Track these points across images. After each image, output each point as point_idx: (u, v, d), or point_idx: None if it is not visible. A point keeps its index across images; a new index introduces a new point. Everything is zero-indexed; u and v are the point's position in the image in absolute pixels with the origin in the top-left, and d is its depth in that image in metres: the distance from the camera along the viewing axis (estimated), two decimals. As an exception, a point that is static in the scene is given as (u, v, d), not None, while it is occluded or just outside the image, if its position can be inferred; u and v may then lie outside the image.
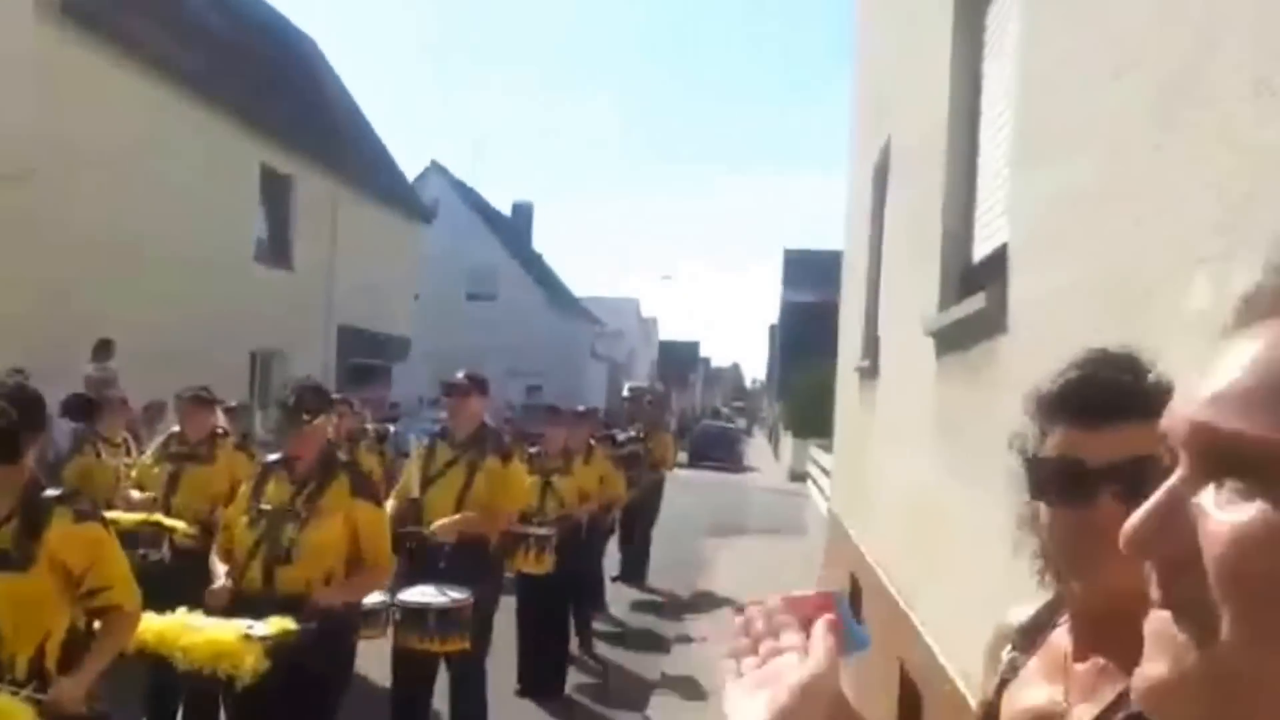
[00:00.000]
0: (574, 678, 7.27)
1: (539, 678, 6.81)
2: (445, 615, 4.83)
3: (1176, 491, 0.56)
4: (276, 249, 19.12)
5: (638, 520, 10.71)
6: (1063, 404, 1.27)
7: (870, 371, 7.45)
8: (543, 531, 6.53)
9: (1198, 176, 2.08)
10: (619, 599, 9.81)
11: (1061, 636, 1.36)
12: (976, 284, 4.55)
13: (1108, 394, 1.23)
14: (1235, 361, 0.53)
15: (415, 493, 5.44)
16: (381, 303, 23.06)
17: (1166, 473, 0.58)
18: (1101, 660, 1.28)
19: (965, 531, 4.12)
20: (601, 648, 8.27)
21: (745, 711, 0.95)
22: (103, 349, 11.30)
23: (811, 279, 46.01)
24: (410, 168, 32.52)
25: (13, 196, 11.37)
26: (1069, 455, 1.23)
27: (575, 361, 43.12)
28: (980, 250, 4.57)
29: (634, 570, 11.02)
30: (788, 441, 31.00)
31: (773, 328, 60.11)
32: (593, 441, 8.25)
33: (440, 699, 5.18)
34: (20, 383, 3.09)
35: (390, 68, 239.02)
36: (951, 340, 4.48)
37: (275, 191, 18.80)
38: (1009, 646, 1.46)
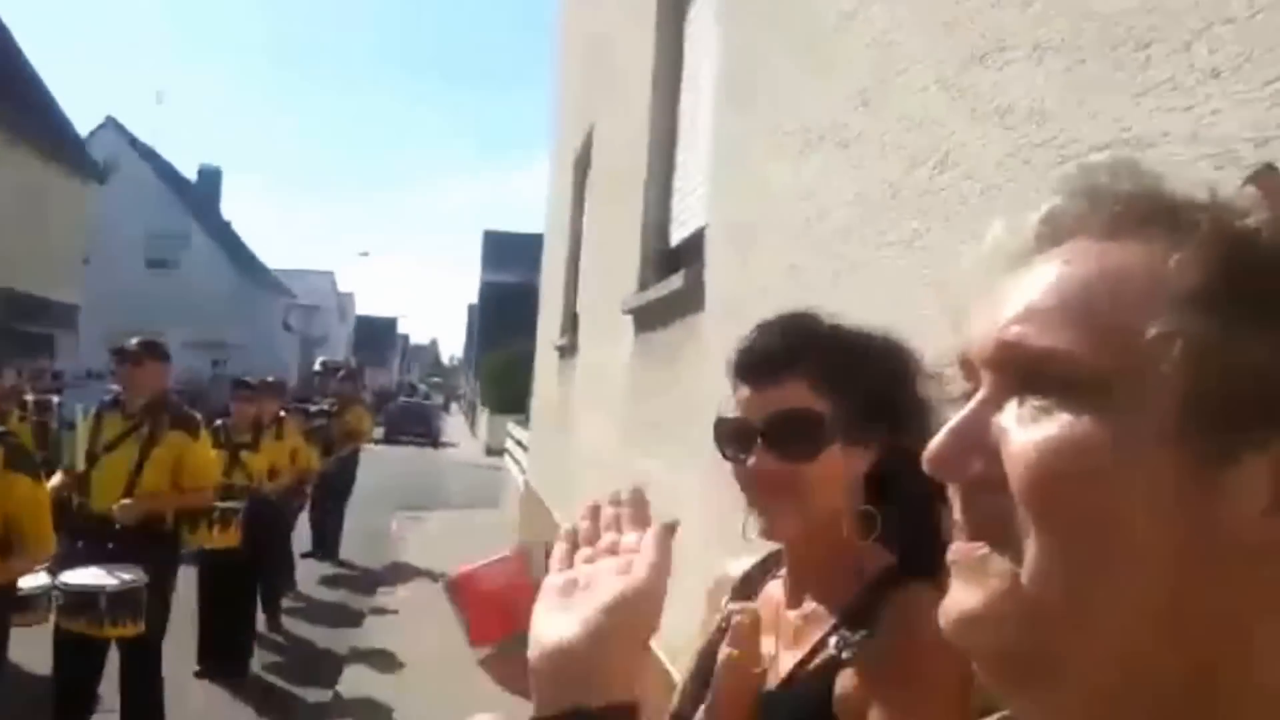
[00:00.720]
0: (262, 656, 6.99)
1: (221, 658, 6.50)
2: (118, 598, 4.51)
3: (978, 413, 0.55)
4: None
5: (330, 494, 10.41)
6: (736, 367, 1.34)
7: (569, 349, 7.63)
8: (228, 505, 6.23)
9: (877, 174, 2.29)
10: (308, 574, 9.51)
11: (776, 587, 1.40)
12: (674, 265, 4.78)
13: (770, 355, 1.31)
14: (1039, 282, 0.53)
15: (80, 466, 5.04)
16: (44, 266, 21.05)
17: (965, 398, 0.56)
18: (811, 607, 1.32)
19: (660, 496, 4.32)
20: (291, 624, 8.00)
21: (553, 627, 0.81)
22: None
23: (510, 260, 46.17)
24: (85, 123, 29.81)
25: None
26: (741, 414, 1.32)
27: (265, 335, 41.11)
28: (678, 234, 4.79)
29: (325, 545, 10.71)
30: (484, 418, 31.05)
31: (472, 307, 59.89)
32: (283, 414, 7.94)
33: (109, 684, 4.84)
34: None
35: (64, 17, 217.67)
36: (650, 318, 4.67)
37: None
38: (727, 596, 1.49)
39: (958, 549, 0.55)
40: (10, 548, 3.86)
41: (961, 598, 0.54)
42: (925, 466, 0.55)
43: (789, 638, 1.32)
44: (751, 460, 1.30)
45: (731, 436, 1.32)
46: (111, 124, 36.41)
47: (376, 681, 6.37)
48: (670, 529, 0.88)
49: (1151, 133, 1.40)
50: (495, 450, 23.92)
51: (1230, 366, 0.47)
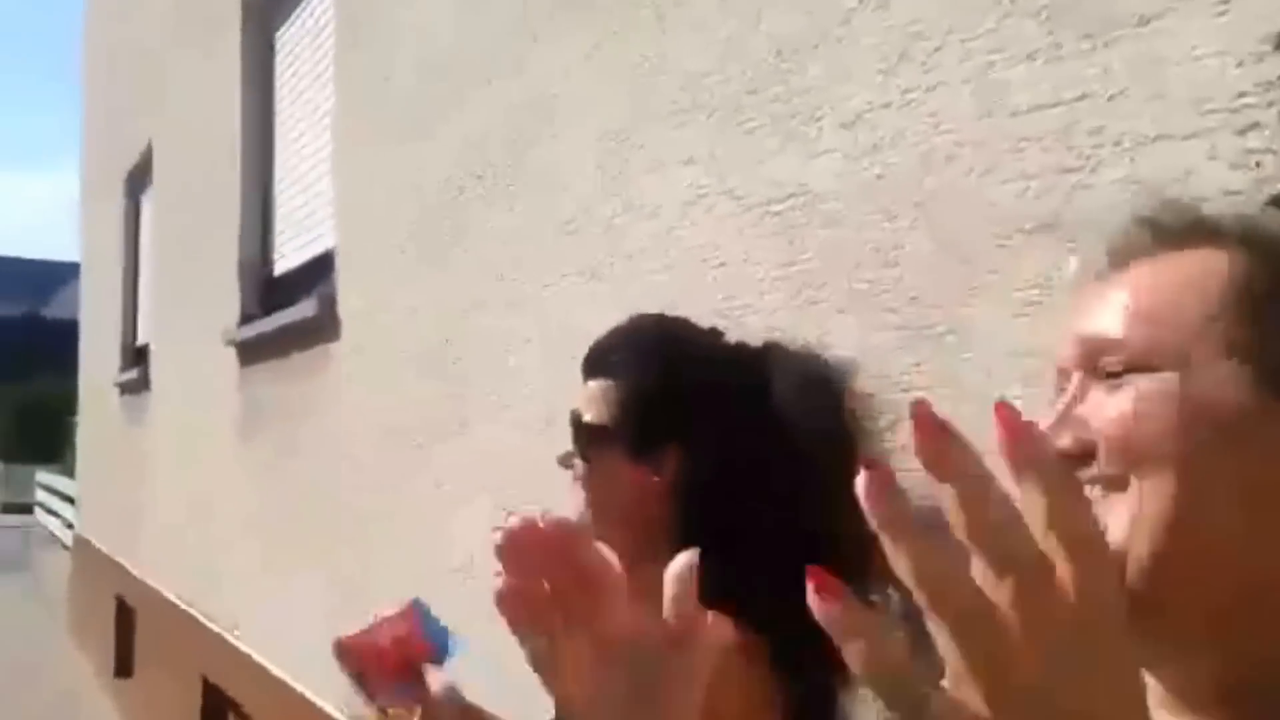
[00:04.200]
0: None
1: None
2: None
3: (1068, 404, 0.65)
4: None
5: None
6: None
7: (138, 384, 7.07)
8: None
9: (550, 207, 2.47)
10: None
11: None
12: (288, 293, 4.66)
13: (588, 357, 1.35)
14: (1112, 298, 0.66)
15: None
16: None
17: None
18: None
19: (277, 529, 4.22)
20: None
21: None
22: None
23: (7, 289, 41.10)
24: None
25: None
26: (577, 409, 1.33)
27: None
28: (290, 260, 4.68)
29: None
30: (-4, 470, 27.35)
31: (-40, 342, 52.48)
32: None
33: None
34: None
35: None
36: (264, 349, 4.51)
37: None
38: None
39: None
40: None
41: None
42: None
43: None
44: (561, 452, 1.34)
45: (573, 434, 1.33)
46: None
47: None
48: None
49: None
50: (13, 506, 21.21)
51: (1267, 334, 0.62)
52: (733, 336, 1.38)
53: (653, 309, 1.42)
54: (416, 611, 1.26)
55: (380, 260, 3.44)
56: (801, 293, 1.53)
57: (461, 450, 2.70)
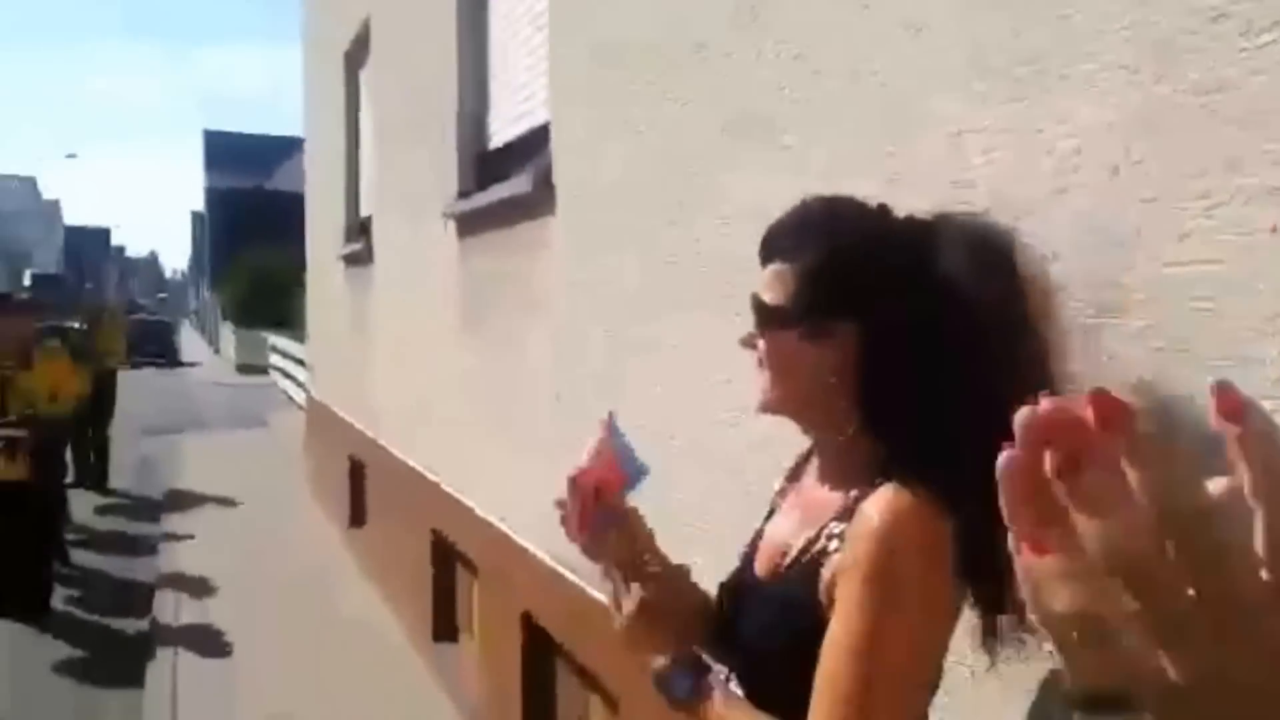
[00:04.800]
0: (59, 591, 6.62)
1: (18, 596, 6.12)
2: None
3: None
4: None
5: (93, 419, 9.78)
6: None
7: (362, 256, 7.45)
8: (13, 433, 5.82)
9: (762, 75, 2.43)
10: (81, 505, 8.97)
11: (814, 468, 1.43)
12: (500, 167, 4.79)
13: (767, 238, 1.37)
14: None
15: None
16: None
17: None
18: (825, 494, 1.35)
19: (495, 397, 4.43)
20: (79, 556, 7.59)
21: None
22: None
23: (239, 164, 43.66)
24: None
25: None
26: (756, 291, 1.37)
27: (-39, 250, 37.28)
28: (505, 134, 4.79)
29: (90, 473, 10.11)
30: (231, 334, 29.54)
31: (197, 215, 56.30)
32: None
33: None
34: None
35: None
36: (483, 222, 4.67)
37: None
38: (782, 478, 1.53)
39: None
40: None
41: None
42: None
43: (806, 521, 1.35)
44: (746, 333, 1.39)
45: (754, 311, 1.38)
46: None
47: (195, 607, 6.20)
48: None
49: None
50: (250, 367, 22.92)
51: None
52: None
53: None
54: (611, 426, 1.48)
55: (598, 132, 3.48)
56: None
57: (686, 328, 2.75)
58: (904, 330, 1.22)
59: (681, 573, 1.50)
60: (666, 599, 1.42)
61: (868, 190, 1.43)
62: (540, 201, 3.92)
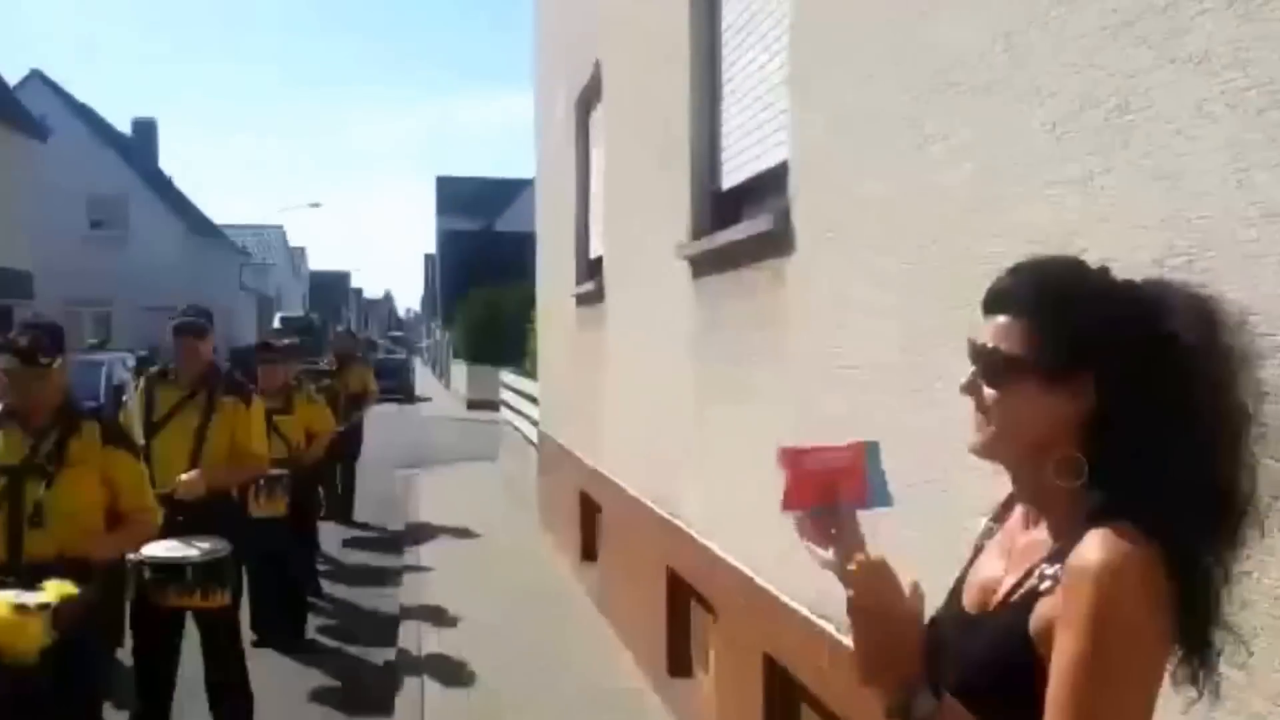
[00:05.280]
0: (312, 621, 7.01)
1: (277, 626, 6.51)
2: (204, 569, 4.50)
3: None
4: None
5: (341, 456, 10.36)
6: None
7: (594, 296, 7.58)
8: (275, 472, 6.19)
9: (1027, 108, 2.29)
10: (329, 538, 9.50)
11: (1019, 512, 1.47)
12: (733, 207, 4.77)
13: (995, 290, 1.41)
14: None
15: (140, 440, 4.98)
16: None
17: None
18: (1036, 536, 1.39)
19: (733, 437, 4.37)
20: (329, 588, 8.03)
21: None
22: None
23: (466, 206, 45.80)
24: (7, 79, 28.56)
25: None
26: (975, 338, 1.41)
27: (222, 294, 40.44)
28: (735, 175, 4.77)
29: (338, 508, 10.70)
30: (460, 369, 30.86)
31: (429, 257, 59.29)
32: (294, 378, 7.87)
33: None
34: None
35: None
36: (717, 262, 4.65)
37: None
38: (988, 518, 1.57)
39: None
40: (116, 524, 3.83)
41: None
42: None
43: (1014, 561, 1.41)
44: (965, 379, 1.42)
45: (969, 354, 1.43)
46: (38, 78, 34.99)
47: (439, 637, 6.42)
48: None
49: None
50: (479, 403, 23.86)
51: None
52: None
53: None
54: (868, 452, 1.46)
55: (840, 172, 3.40)
56: None
57: (943, 364, 2.62)
58: (1141, 383, 1.28)
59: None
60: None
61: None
62: (779, 239, 3.87)
